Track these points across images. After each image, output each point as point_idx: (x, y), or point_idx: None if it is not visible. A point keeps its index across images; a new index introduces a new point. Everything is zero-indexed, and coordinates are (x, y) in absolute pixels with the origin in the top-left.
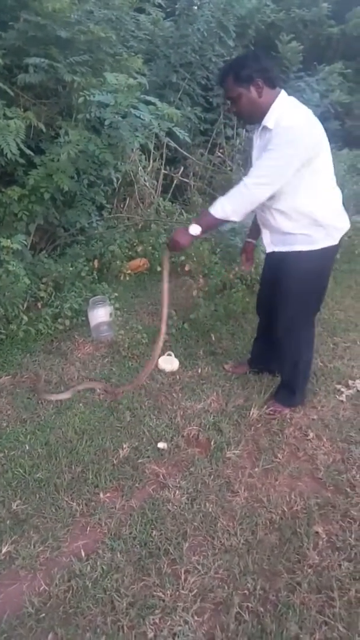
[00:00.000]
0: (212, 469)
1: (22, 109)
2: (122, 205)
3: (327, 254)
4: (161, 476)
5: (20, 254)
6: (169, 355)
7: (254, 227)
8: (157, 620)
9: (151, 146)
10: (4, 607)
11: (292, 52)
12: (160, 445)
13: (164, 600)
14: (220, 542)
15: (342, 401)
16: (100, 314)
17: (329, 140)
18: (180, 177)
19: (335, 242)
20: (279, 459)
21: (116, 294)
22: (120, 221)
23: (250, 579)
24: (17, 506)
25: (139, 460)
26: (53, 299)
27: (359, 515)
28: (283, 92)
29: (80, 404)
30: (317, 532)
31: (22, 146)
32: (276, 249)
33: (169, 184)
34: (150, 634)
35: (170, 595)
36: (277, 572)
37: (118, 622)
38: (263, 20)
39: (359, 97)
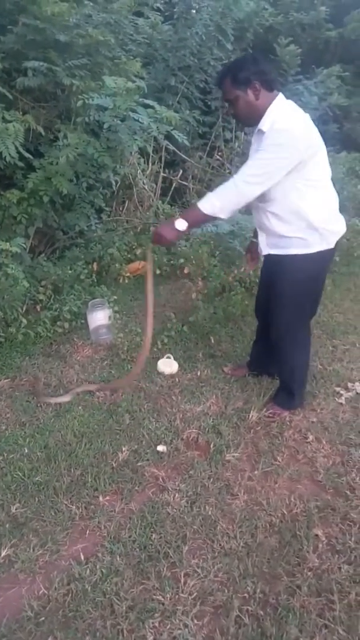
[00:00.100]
0: (211, 472)
1: (21, 113)
2: (121, 208)
3: (323, 258)
4: (160, 479)
5: (19, 257)
6: (168, 357)
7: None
8: (156, 624)
9: (150, 149)
10: (3, 610)
11: (290, 56)
12: (160, 448)
13: (163, 604)
14: (220, 545)
15: (341, 404)
16: (99, 317)
17: (328, 143)
18: (179, 180)
19: (331, 246)
20: (279, 461)
21: (115, 297)
22: (119, 224)
23: (250, 582)
24: (16, 509)
25: (139, 464)
26: (52, 302)
27: (359, 518)
28: (280, 95)
29: (80, 407)
30: (316, 535)
31: (21, 149)
32: (272, 252)
33: (168, 186)
34: (150, 638)
35: (170, 599)
36: (276, 575)
37: (117, 626)
38: (261, 24)
39: (357, 100)
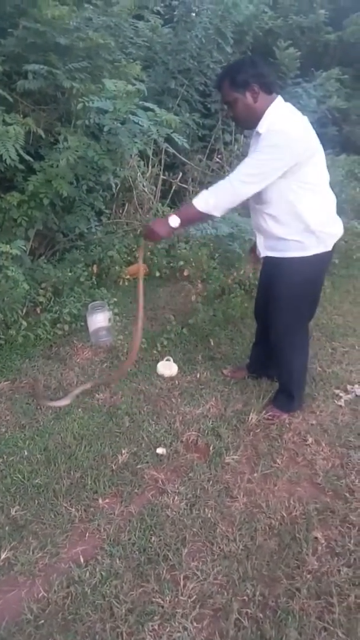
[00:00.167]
0: (211, 474)
1: (21, 115)
2: (121, 211)
3: (320, 260)
4: (160, 482)
5: (20, 259)
6: (168, 360)
7: None
8: (156, 627)
9: (150, 152)
10: (2, 613)
11: (289, 59)
12: (159, 450)
13: (163, 607)
14: (220, 547)
15: (340, 406)
16: (99, 319)
17: (327, 145)
18: (178, 183)
19: (328, 248)
20: (278, 464)
21: (115, 299)
22: (119, 226)
23: (250, 585)
24: (15, 512)
25: (138, 466)
26: (52, 304)
27: (358, 520)
28: (279, 98)
29: (79, 410)
30: (316, 538)
31: (21, 152)
32: (269, 254)
33: (168, 189)
34: None
35: (170, 602)
36: (276, 577)
37: (117, 629)
38: (261, 27)
39: (356, 103)
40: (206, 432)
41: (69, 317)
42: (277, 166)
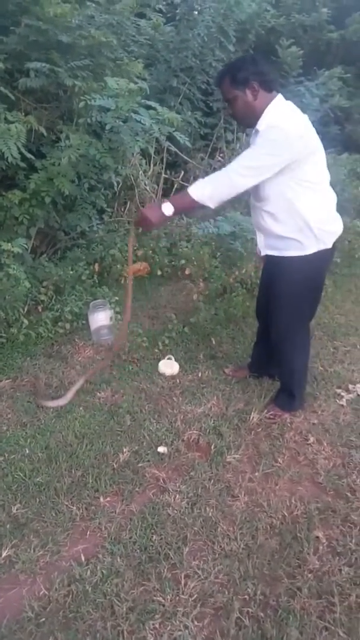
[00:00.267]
0: (212, 473)
1: (23, 113)
2: (122, 209)
3: (320, 258)
4: (161, 480)
5: (21, 257)
6: (169, 358)
7: None
8: (157, 625)
9: (152, 150)
10: (3, 611)
11: (292, 57)
12: (161, 449)
13: (164, 605)
14: (221, 546)
15: (342, 405)
16: (101, 318)
17: (329, 144)
18: (180, 181)
19: (328, 246)
20: (279, 463)
21: (117, 298)
22: (120, 225)
23: (251, 584)
24: (17, 510)
25: (139, 465)
26: (53, 303)
27: None
28: (279, 96)
29: (81, 408)
30: (317, 537)
31: (23, 150)
32: (270, 253)
33: (170, 188)
34: (150, 639)
35: (170, 600)
36: (277, 577)
37: (118, 627)
38: (263, 25)
39: (358, 102)
40: (207, 431)
41: (70, 315)
42: (274, 162)
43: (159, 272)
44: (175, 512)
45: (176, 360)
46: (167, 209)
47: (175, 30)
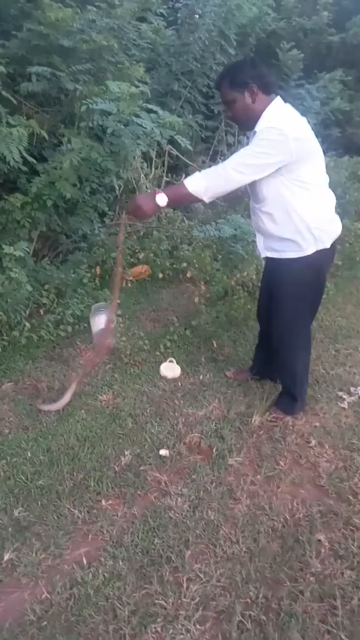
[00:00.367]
0: (214, 476)
1: (25, 117)
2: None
3: (320, 259)
4: (163, 483)
5: (23, 260)
6: (171, 361)
7: None
8: (159, 629)
9: (153, 154)
10: (5, 614)
11: (292, 60)
12: (162, 452)
13: (165, 609)
14: (222, 550)
15: (344, 408)
16: (103, 321)
17: (330, 147)
18: None
19: (326, 245)
20: (281, 466)
21: (118, 301)
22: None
23: (253, 587)
24: (18, 513)
25: (141, 468)
26: (55, 306)
27: None
28: (278, 99)
29: (82, 411)
30: (319, 540)
31: (24, 154)
32: (269, 255)
33: None
34: None
35: (172, 604)
36: (279, 580)
37: (120, 631)
38: (264, 29)
39: (359, 105)
40: (209, 434)
41: (72, 318)
42: (269, 161)
43: (161, 275)
44: (177, 515)
45: (178, 363)
46: (161, 199)
47: (176, 34)
